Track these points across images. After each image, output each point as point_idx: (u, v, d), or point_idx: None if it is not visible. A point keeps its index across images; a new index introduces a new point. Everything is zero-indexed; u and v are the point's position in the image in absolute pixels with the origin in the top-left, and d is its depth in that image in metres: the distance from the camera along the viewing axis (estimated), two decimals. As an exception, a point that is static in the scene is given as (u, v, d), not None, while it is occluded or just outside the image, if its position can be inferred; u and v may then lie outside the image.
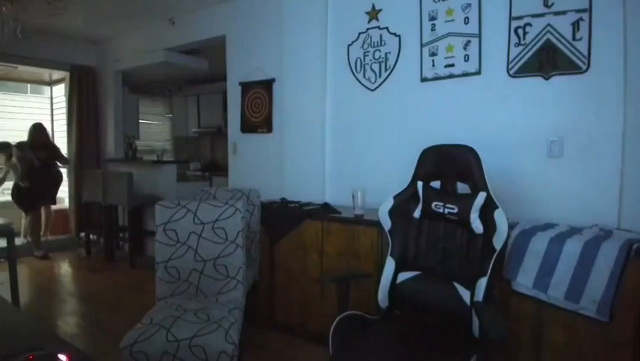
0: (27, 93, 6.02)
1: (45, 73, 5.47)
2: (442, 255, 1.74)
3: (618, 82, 1.92)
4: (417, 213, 1.80)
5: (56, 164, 4.72)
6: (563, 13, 2.03)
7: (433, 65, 2.48)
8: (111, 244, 4.56)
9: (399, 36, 2.63)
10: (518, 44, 2.18)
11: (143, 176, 4.59)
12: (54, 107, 5.74)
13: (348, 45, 2.85)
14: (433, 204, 1.75)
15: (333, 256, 2.44)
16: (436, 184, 1.83)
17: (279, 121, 3.28)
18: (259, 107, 3.46)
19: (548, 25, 2.07)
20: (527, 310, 1.75)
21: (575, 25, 2.00)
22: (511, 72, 2.21)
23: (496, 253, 1.55)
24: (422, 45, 2.52)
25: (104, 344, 2.49)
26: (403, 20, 2.60)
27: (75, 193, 5.09)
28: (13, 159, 4.36)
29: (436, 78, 2.48)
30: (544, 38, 2.09)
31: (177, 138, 6.85)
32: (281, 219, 2.68)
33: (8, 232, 2.75)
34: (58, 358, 0.90)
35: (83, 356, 1.00)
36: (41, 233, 4.71)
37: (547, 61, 2.09)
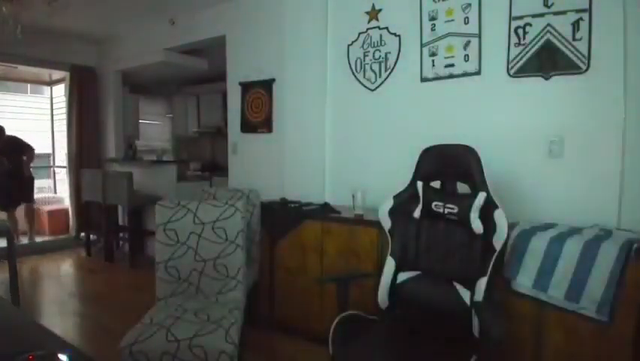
0: (27, 93, 6.02)
1: (45, 73, 5.46)
2: (441, 255, 1.74)
3: (618, 82, 1.92)
4: (417, 213, 1.80)
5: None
6: (563, 13, 2.03)
7: (433, 65, 2.48)
8: (111, 244, 4.56)
9: (399, 36, 2.63)
10: (518, 44, 2.18)
11: (143, 176, 4.59)
12: (54, 107, 5.73)
13: (348, 45, 2.85)
14: (433, 204, 1.75)
15: (333, 256, 2.44)
16: (436, 184, 1.83)
17: (279, 121, 3.28)
18: (259, 107, 3.46)
19: (548, 25, 2.07)
20: (527, 310, 1.75)
21: (575, 25, 2.00)
22: (511, 72, 2.21)
23: (496, 253, 1.55)
24: (422, 45, 2.52)
25: (104, 344, 2.49)
26: (403, 20, 2.60)
27: (75, 193, 5.09)
28: None
29: (436, 78, 2.48)
30: (545, 38, 2.09)
31: (177, 137, 6.85)
32: (281, 219, 2.68)
33: (8, 232, 2.74)
34: (58, 358, 0.90)
35: (83, 356, 1.00)
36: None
37: (547, 61, 2.09)
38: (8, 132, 4.74)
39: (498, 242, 1.55)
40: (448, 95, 2.44)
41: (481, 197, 1.61)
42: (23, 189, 4.74)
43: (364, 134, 2.81)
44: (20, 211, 4.82)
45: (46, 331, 1.18)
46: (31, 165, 4.84)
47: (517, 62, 2.18)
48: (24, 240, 4.82)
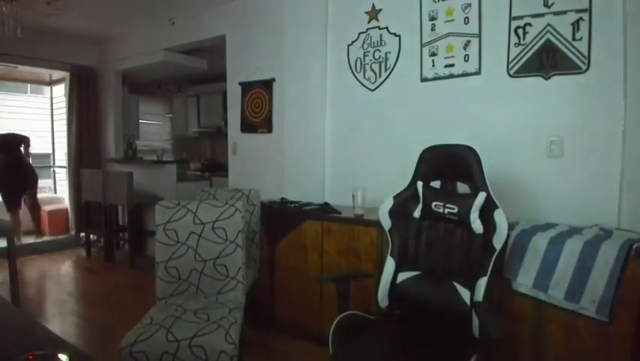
0: (27, 93, 6.03)
1: (45, 73, 5.47)
2: (442, 255, 1.74)
3: (618, 82, 1.92)
4: (417, 213, 1.80)
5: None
6: (563, 13, 2.03)
7: (433, 65, 2.48)
8: (111, 244, 4.56)
9: (399, 36, 2.63)
10: (518, 44, 2.18)
11: (143, 176, 4.59)
12: (54, 107, 5.73)
13: (348, 45, 2.86)
14: (433, 204, 1.75)
15: (333, 255, 2.44)
16: (436, 184, 1.83)
17: (279, 121, 3.28)
18: (259, 107, 3.46)
19: (548, 25, 2.07)
20: (527, 310, 1.75)
21: (575, 25, 2.00)
22: (511, 72, 2.21)
23: (496, 253, 1.55)
24: (422, 45, 2.52)
25: (104, 344, 2.49)
26: (403, 20, 2.60)
27: (75, 193, 5.09)
28: None
29: (436, 78, 2.48)
30: (545, 38, 2.09)
31: (177, 137, 6.85)
32: (281, 219, 2.68)
33: (8, 232, 2.74)
34: (58, 358, 0.90)
35: (83, 356, 1.00)
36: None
37: (547, 61, 2.09)
38: (7, 132, 4.77)
39: (498, 242, 1.55)
40: (448, 95, 2.44)
41: (482, 197, 1.62)
42: (25, 179, 4.78)
43: (364, 134, 2.81)
44: (23, 211, 4.83)
45: (46, 331, 1.18)
46: (32, 162, 4.85)
47: (517, 61, 2.18)
48: (28, 239, 4.82)
